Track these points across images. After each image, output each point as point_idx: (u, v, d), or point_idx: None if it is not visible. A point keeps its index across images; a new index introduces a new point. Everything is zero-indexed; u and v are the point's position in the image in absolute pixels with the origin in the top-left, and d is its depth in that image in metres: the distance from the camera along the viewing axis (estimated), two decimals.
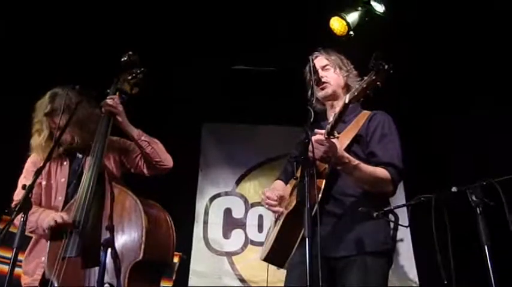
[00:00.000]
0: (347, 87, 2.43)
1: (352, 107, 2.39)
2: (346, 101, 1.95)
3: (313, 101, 2.20)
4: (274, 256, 2.27)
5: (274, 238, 2.23)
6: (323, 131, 2.03)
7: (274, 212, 2.33)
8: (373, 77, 1.81)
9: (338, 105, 2.43)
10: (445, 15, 3.87)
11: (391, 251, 2.27)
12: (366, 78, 1.85)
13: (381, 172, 2.16)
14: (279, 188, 2.49)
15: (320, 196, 2.06)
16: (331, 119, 2.44)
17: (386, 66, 1.76)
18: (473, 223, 1.85)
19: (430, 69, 4.29)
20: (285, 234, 2.19)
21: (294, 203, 2.10)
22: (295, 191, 2.18)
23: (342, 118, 2.06)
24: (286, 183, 2.52)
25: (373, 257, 2.12)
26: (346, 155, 2.09)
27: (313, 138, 1.99)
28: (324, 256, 1.91)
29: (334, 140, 2.01)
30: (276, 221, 2.36)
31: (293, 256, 2.20)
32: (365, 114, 2.36)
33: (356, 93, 1.90)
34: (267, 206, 2.34)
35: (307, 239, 1.71)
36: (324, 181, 2.13)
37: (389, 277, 2.23)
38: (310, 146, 1.93)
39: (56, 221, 2.20)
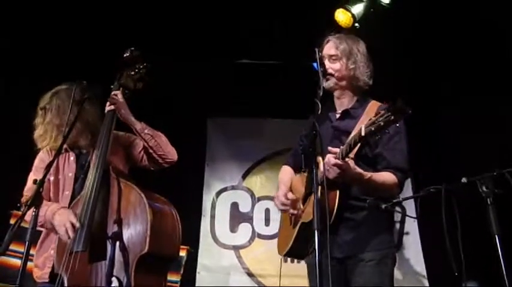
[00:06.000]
0: (354, 79, 2.39)
1: (360, 100, 2.40)
2: (363, 134, 1.92)
3: (321, 94, 2.19)
4: (294, 253, 2.43)
5: (293, 239, 2.31)
6: (336, 150, 2.05)
7: (290, 214, 2.38)
8: (392, 118, 1.80)
9: (344, 98, 2.43)
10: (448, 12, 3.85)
11: (395, 251, 2.35)
12: (384, 114, 1.83)
13: (390, 177, 2.19)
14: (286, 178, 2.52)
15: (336, 209, 2.10)
16: (339, 110, 2.43)
17: (410, 111, 1.77)
18: (483, 213, 1.83)
19: (438, 59, 4.24)
20: (303, 238, 2.26)
21: (310, 215, 2.03)
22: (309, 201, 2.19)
23: (361, 142, 2.04)
24: (294, 168, 2.55)
25: (381, 257, 2.18)
26: (359, 171, 2.10)
27: (328, 162, 2.02)
28: (334, 257, 1.94)
29: (348, 161, 2.04)
30: (291, 217, 2.40)
31: (312, 256, 2.23)
32: (373, 106, 2.32)
33: (373, 129, 1.87)
34: (283, 210, 2.41)
35: (315, 232, 1.74)
36: (337, 192, 2.13)
37: (395, 270, 2.29)
38: (321, 168, 1.98)
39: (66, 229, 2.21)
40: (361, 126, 1.95)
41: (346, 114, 2.39)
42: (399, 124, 2.26)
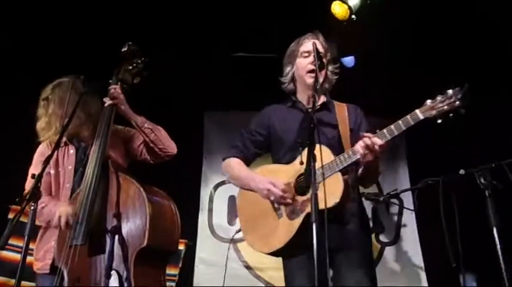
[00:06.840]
0: (327, 79, 2.45)
1: (328, 98, 2.48)
2: (422, 117, 1.94)
3: (318, 86, 2.18)
4: (282, 252, 2.25)
5: (295, 232, 2.17)
6: (370, 135, 2.04)
7: (285, 204, 2.26)
8: (457, 104, 1.85)
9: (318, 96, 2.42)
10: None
11: None
12: (445, 100, 1.85)
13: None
14: (243, 170, 2.48)
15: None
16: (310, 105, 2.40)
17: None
18: (482, 205, 1.84)
19: (436, 51, 4.24)
20: (302, 234, 2.11)
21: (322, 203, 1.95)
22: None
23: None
24: (246, 161, 2.53)
25: (369, 249, 2.26)
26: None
27: (375, 142, 2.00)
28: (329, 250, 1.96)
29: None
30: (279, 210, 2.30)
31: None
32: (340, 105, 2.41)
33: (434, 113, 1.89)
34: (281, 200, 2.26)
35: (313, 225, 1.71)
36: (347, 178, 2.15)
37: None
38: (360, 150, 1.98)
39: (59, 218, 2.25)
40: (414, 111, 1.95)
41: (323, 107, 2.43)
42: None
